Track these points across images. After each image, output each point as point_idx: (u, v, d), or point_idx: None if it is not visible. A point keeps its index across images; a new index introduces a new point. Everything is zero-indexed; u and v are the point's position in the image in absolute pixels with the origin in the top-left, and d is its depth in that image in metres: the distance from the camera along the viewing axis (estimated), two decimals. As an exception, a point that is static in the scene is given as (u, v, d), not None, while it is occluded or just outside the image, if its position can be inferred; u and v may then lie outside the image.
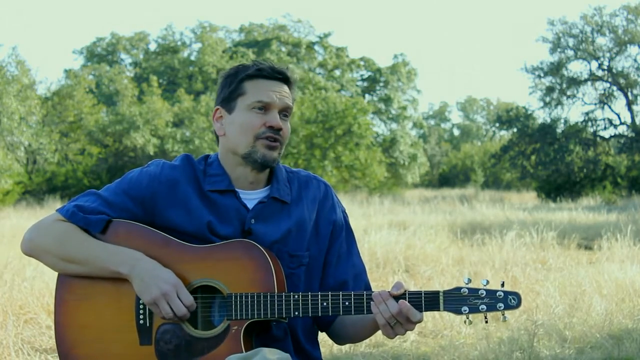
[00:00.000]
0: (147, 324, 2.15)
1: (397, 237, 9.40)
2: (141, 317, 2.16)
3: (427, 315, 5.17)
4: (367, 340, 4.57)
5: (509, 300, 2.04)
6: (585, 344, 4.75)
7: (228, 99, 2.24)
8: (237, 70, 2.25)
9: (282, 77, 2.24)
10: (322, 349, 2.37)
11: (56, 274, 2.25)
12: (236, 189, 2.24)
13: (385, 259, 8.15)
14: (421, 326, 5.13)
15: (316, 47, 41.17)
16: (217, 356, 2.08)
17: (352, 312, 2.09)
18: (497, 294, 2.04)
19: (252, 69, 2.22)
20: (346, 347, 4.55)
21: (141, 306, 2.16)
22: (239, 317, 2.10)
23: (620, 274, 6.49)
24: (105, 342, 2.16)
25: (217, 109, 2.28)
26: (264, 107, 2.19)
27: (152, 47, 41.73)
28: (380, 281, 7.07)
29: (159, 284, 2.09)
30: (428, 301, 2.05)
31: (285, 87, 2.24)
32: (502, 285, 2.07)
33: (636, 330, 5.00)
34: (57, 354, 2.22)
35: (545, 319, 5.16)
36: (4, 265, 6.97)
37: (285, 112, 2.24)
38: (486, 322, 2.10)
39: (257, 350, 2.01)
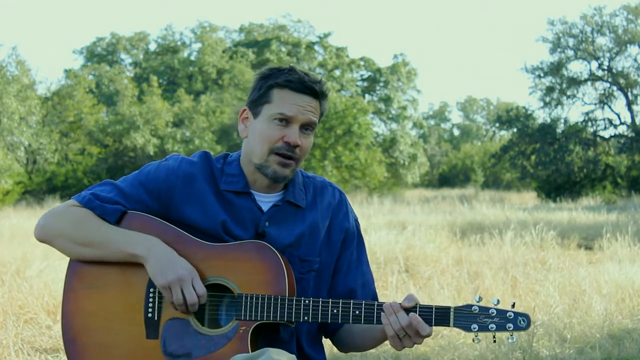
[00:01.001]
0: (155, 318, 2.15)
1: (397, 237, 9.41)
2: (149, 310, 2.16)
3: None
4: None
5: (519, 321, 2.04)
6: (585, 344, 4.75)
7: (256, 102, 2.22)
8: (270, 74, 2.21)
9: (311, 91, 2.19)
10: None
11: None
12: (252, 191, 2.24)
13: (385, 259, 8.15)
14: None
15: (316, 47, 41.16)
16: (222, 355, 2.08)
17: (362, 322, 2.09)
18: (508, 315, 2.05)
19: (282, 78, 2.18)
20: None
21: (150, 299, 2.16)
22: (247, 318, 2.10)
23: (620, 274, 6.49)
24: (112, 332, 2.17)
25: (245, 109, 2.26)
26: (285, 120, 2.17)
27: (152, 47, 41.76)
28: (380, 281, 7.06)
29: (176, 268, 2.09)
30: (438, 316, 2.06)
31: (314, 101, 2.20)
32: (513, 306, 2.07)
33: (636, 330, 5.01)
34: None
35: (545, 319, 5.17)
36: (3, 265, 6.98)
37: (307, 126, 2.20)
38: (494, 341, 2.12)
39: (263, 351, 2.01)
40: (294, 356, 2.03)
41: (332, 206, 2.32)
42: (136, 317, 2.16)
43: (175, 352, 2.12)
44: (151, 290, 2.17)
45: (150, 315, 2.16)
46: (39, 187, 26.83)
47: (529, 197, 31.32)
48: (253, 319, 2.10)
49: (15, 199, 23.51)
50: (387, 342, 2.13)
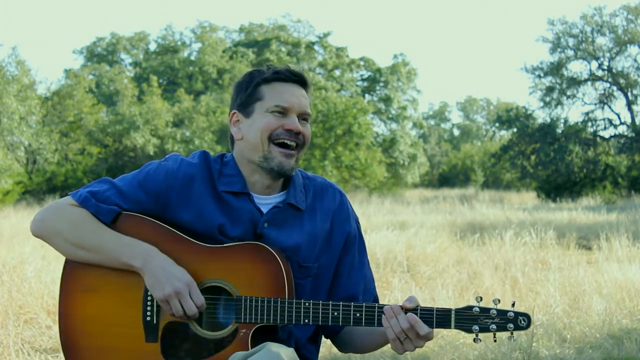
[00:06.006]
0: (154, 321, 2.14)
1: (398, 237, 9.40)
2: (148, 313, 2.14)
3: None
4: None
5: (519, 321, 2.05)
6: (585, 344, 4.75)
7: (245, 103, 2.22)
8: (252, 76, 2.23)
9: (299, 80, 2.21)
10: (322, 349, 2.37)
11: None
12: (251, 193, 2.22)
13: (386, 259, 8.14)
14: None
15: (316, 47, 41.16)
16: (223, 357, 2.08)
17: (363, 324, 2.09)
18: (508, 315, 2.05)
19: (269, 72, 2.20)
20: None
21: (148, 303, 2.15)
22: (248, 321, 2.09)
23: (620, 274, 6.49)
24: (110, 336, 2.16)
25: (234, 112, 2.25)
26: (283, 111, 2.17)
27: (152, 47, 41.74)
28: (380, 281, 7.06)
29: (173, 281, 2.07)
30: (439, 318, 2.05)
31: (303, 91, 2.22)
32: (513, 305, 2.08)
33: (636, 330, 5.01)
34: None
35: (545, 319, 5.16)
36: (3, 265, 6.97)
37: (304, 116, 2.21)
38: (495, 340, 2.13)
39: (263, 345, 2.02)
40: (292, 349, 2.03)
41: (332, 210, 2.30)
42: (135, 321, 2.15)
43: (175, 355, 2.11)
44: (149, 294, 2.15)
45: (149, 319, 2.14)
46: (39, 187, 26.80)
47: (529, 197, 31.31)
48: (253, 321, 2.09)
49: (15, 199, 23.50)
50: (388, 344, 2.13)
